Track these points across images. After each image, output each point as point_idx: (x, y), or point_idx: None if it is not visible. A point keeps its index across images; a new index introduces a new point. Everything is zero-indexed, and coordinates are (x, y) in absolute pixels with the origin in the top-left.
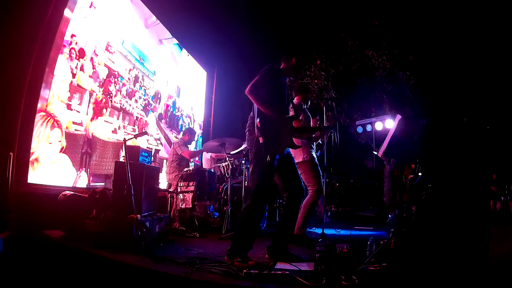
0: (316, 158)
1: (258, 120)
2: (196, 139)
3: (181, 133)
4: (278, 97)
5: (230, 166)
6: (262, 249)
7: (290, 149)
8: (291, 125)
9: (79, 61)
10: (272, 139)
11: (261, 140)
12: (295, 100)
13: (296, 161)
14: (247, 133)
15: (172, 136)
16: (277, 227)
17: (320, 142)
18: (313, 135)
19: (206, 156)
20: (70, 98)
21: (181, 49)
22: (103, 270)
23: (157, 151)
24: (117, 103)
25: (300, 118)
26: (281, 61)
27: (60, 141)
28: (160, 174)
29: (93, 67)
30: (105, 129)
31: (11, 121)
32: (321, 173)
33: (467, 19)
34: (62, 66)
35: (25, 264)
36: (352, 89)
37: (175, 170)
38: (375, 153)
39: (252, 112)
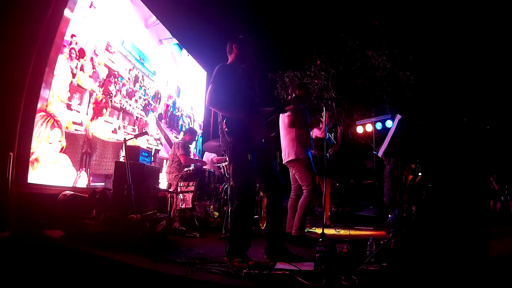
0: (311, 158)
1: (224, 122)
2: (196, 139)
3: (182, 133)
4: (239, 93)
5: None
6: (262, 249)
7: (283, 150)
8: (260, 118)
9: (79, 61)
10: (243, 138)
11: (231, 141)
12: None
13: (288, 159)
14: (220, 135)
15: (172, 136)
16: (267, 229)
17: (334, 142)
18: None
19: (207, 158)
20: (70, 98)
21: (181, 49)
22: (103, 270)
23: (157, 151)
24: (117, 103)
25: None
26: (228, 57)
27: (60, 141)
28: (160, 174)
29: (93, 67)
30: (105, 129)
31: (11, 121)
32: (314, 173)
33: (467, 19)
34: (62, 66)
35: (25, 264)
36: (352, 89)
37: (175, 170)
38: (375, 153)
39: (219, 117)
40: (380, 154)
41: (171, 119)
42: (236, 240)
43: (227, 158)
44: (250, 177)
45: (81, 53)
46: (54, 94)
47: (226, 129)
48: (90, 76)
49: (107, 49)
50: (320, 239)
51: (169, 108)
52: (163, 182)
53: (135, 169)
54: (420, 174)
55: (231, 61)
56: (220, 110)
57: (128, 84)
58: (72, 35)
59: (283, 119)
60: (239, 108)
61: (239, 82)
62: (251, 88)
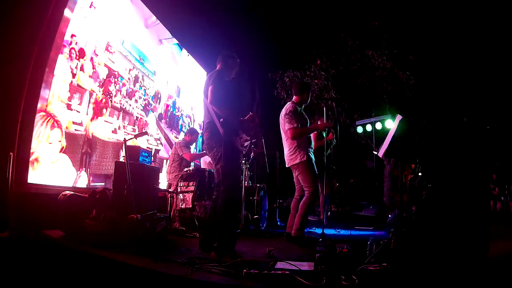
0: (313, 159)
1: (220, 121)
2: (197, 140)
3: (182, 133)
4: (232, 97)
5: None
6: (262, 249)
7: (287, 152)
8: (243, 125)
9: (79, 61)
10: (235, 138)
11: (227, 138)
12: (294, 99)
13: (293, 163)
14: (205, 135)
15: (172, 136)
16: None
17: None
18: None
19: (206, 159)
20: (70, 98)
21: (181, 49)
22: (103, 270)
23: (157, 151)
24: (117, 103)
25: (295, 125)
26: (218, 64)
27: (60, 141)
28: (160, 174)
29: (93, 67)
30: (105, 129)
31: (11, 121)
32: (316, 174)
33: (467, 19)
34: (62, 66)
35: (25, 264)
36: (352, 89)
37: (175, 170)
38: (375, 153)
39: (206, 117)
40: (380, 154)
41: (171, 119)
42: (227, 235)
43: (215, 155)
44: (238, 173)
45: (81, 53)
46: (54, 94)
47: (222, 128)
48: (90, 76)
49: (107, 49)
50: (320, 239)
51: (169, 108)
52: (163, 182)
53: (135, 169)
54: (420, 174)
55: (219, 69)
56: (219, 108)
57: (128, 84)
58: (72, 35)
59: (283, 123)
60: (230, 111)
61: (229, 89)
62: (242, 99)
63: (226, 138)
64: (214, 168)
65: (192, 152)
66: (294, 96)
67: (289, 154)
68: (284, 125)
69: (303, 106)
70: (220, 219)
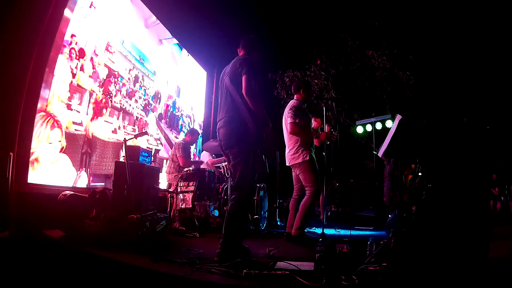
0: (315, 159)
1: (250, 114)
2: (197, 140)
3: (182, 133)
4: (261, 91)
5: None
6: (262, 249)
7: (289, 150)
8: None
9: (79, 61)
10: (260, 134)
11: (253, 133)
12: (296, 97)
13: (295, 163)
14: (222, 130)
15: (172, 136)
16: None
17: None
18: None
19: (205, 159)
20: (70, 98)
21: (181, 49)
22: (103, 270)
23: (157, 151)
24: (117, 103)
25: (297, 120)
26: (243, 50)
27: (60, 141)
28: (160, 174)
29: (93, 67)
30: (105, 129)
31: (11, 121)
32: (319, 174)
33: (467, 19)
34: (62, 66)
35: (25, 264)
36: (352, 89)
37: (175, 170)
38: (375, 153)
39: (229, 110)
40: (380, 154)
41: (171, 119)
42: (237, 239)
43: (236, 155)
44: (255, 178)
45: (81, 53)
46: (54, 94)
47: (252, 121)
48: (90, 76)
49: (107, 49)
50: (320, 239)
51: (169, 108)
52: (163, 182)
53: (135, 169)
54: (420, 174)
55: (249, 56)
56: (253, 100)
57: (128, 84)
58: (72, 35)
59: (285, 120)
60: (262, 106)
61: (258, 81)
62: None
63: (253, 133)
64: (229, 168)
65: (192, 153)
66: (295, 95)
67: (291, 153)
68: (287, 120)
69: (305, 105)
70: (233, 222)
